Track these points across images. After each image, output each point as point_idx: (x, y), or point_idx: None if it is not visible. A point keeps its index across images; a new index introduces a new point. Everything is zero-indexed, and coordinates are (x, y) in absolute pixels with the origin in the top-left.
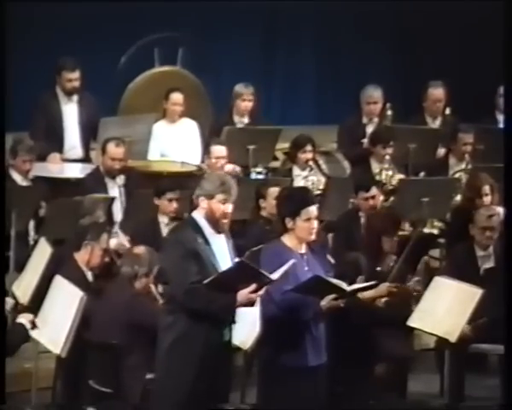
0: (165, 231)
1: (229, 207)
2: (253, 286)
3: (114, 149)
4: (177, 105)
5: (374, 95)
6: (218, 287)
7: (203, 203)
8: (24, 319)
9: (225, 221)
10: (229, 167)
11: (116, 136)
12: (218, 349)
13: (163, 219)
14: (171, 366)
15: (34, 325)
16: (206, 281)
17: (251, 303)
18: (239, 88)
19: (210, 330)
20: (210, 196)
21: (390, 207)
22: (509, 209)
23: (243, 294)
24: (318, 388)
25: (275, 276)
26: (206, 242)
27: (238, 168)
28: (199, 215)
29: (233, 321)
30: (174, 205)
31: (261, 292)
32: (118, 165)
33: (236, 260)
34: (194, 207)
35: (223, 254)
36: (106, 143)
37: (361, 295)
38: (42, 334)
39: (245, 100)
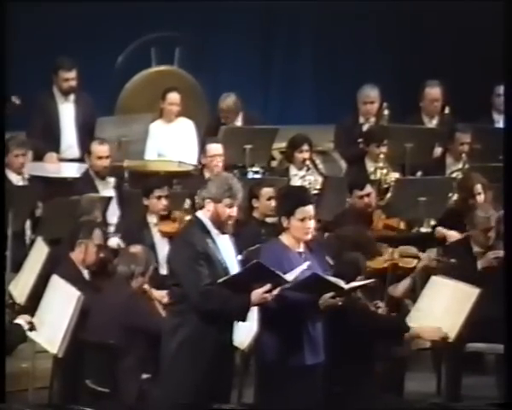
0: (154, 230)
1: (234, 211)
2: (268, 286)
3: (99, 148)
4: (173, 105)
5: (371, 94)
6: (232, 287)
7: (209, 206)
8: (22, 319)
9: (230, 223)
10: None
11: (113, 135)
12: (223, 349)
13: (152, 219)
14: (179, 367)
15: (32, 327)
16: (220, 280)
17: (267, 301)
18: (219, 101)
19: (218, 331)
20: (217, 200)
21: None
22: (509, 209)
23: (257, 294)
24: (315, 387)
25: (290, 277)
26: (214, 242)
27: None
28: (204, 216)
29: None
30: (163, 202)
31: (275, 292)
32: (105, 163)
33: (253, 261)
34: (196, 206)
35: (229, 254)
36: (90, 144)
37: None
38: (39, 334)
39: (221, 117)
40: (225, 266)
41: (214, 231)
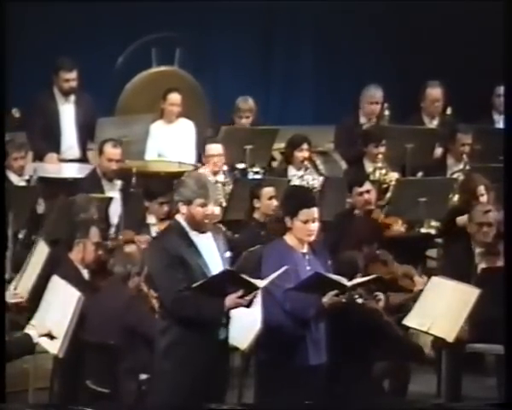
0: (153, 230)
1: (209, 210)
2: (240, 292)
3: (111, 150)
4: (174, 105)
5: (376, 95)
6: (206, 292)
7: (182, 208)
8: (34, 330)
9: (207, 222)
10: None
11: (113, 136)
12: (213, 350)
13: (151, 219)
14: (168, 368)
15: (52, 337)
16: (193, 285)
17: (243, 306)
18: (238, 102)
19: (205, 332)
20: (188, 202)
21: (372, 212)
22: (509, 209)
23: (231, 299)
24: (318, 387)
25: (261, 284)
26: (192, 244)
27: None
28: (181, 218)
29: (225, 324)
30: (165, 208)
31: (249, 297)
32: (115, 166)
33: (224, 268)
34: (177, 210)
35: (210, 254)
36: (103, 145)
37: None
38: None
39: (242, 117)
40: (204, 268)
41: (192, 233)
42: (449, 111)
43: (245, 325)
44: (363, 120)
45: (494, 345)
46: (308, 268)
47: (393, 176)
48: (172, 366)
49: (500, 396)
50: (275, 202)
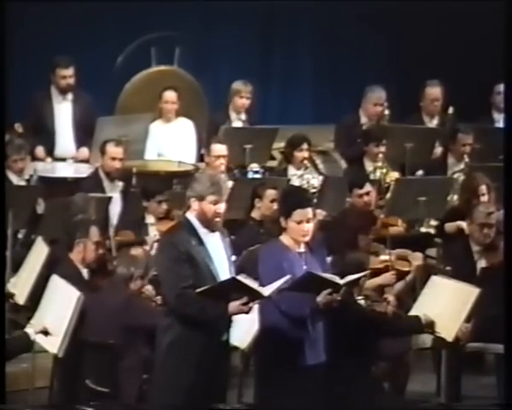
0: (151, 230)
1: (220, 208)
2: (244, 299)
3: (114, 149)
4: (169, 103)
5: (382, 96)
6: (210, 296)
7: (194, 205)
8: (32, 328)
9: (218, 220)
10: None
11: (113, 135)
12: (215, 350)
13: (150, 219)
14: (169, 367)
15: (47, 333)
16: (198, 290)
17: (244, 313)
18: (237, 85)
19: (207, 332)
20: (201, 198)
21: (368, 205)
22: (508, 209)
23: (234, 305)
24: (317, 387)
25: (267, 292)
26: (201, 242)
27: None
28: (192, 216)
29: (228, 325)
30: (164, 207)
31: (251, 304)
32: (118, 164)
33: (231, 275)
34: (189, 207)
35: (218, 253)
36: (104, 145)
37: (368, 284)
38: (39, 334)
39: (243, 97)
40: (212, 267)
41: (202, 231)
42: (450, 110)
43: (244, 324)
44: (363, 119)
45: (494, 344)
46: (305, 268)
47: (394, 175)
48: (174, 365)
49: (500, 395)
50: (275, 206)
